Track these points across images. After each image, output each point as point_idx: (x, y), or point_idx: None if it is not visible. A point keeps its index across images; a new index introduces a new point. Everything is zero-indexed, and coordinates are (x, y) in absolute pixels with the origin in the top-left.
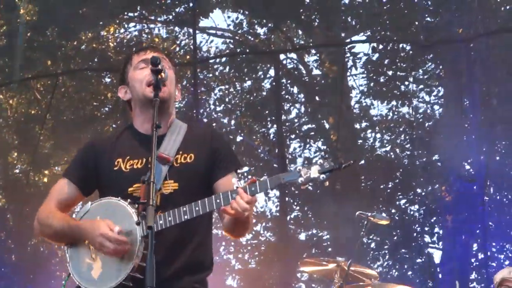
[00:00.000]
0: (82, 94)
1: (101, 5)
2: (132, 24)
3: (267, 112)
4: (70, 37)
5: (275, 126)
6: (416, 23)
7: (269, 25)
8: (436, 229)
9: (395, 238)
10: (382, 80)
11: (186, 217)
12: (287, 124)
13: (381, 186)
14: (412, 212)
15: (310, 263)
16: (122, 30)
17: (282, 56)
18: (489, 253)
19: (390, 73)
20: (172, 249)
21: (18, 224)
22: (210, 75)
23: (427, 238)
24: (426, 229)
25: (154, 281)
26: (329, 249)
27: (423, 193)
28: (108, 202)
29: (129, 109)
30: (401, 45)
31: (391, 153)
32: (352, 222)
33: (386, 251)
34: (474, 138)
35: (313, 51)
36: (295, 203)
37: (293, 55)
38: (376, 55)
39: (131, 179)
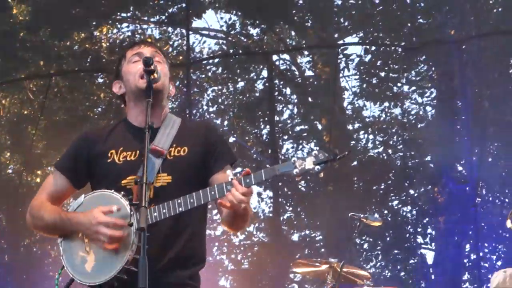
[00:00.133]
0: (74, 95)
1: (94, 5)
2: (125, 25)
3: (259, 113)
4: (63, 37)
5: (267, 127)
6: (409, 24)
7: (262, 26)
8: (429, 230)
9: (388, 239)
10: (374, 81)
11: (180, 209)
12: (279, 125)
13: (374, 187)
14: (404, 213)
15: (303, 264)
16: (115, 31)
17: (275, 57)
18: (481, 254)
19: (382, 74)
20: (166, 240)
21: (11, 224)
22: (203, 75)
23: (419, 239)
24: (419, 230)
25: (147, 282)
26: (322, 250)
27: (415, 194)
28: (101, 194)
29: (123, 104)
30: (393, 47)
31: (384, 154)
32: (344, 223)
33: (379, 252)
34: (466, 140)
35: (306, 52)
36: (288, 204)
37: (286, 56)
38: (369, 56)
39: (124, 171)
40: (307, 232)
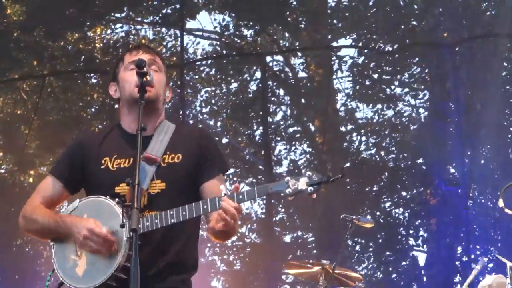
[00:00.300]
0: (68, 95)
1: (88, 6)
2: (118, 25)
3: (253, 114)
4: (57, 38)
5: (261, 128)
6: (402, 26)
7: (256, 27)
8: (421, 232)
9: (380, 240)
10: (367, 83)
11: (172, 220)
12: (272, 126)
13: (366, 189)
14: (396, 215)
15: (295, 265)
16: (108, 31)
17: (268, 58)
18: (473, 256)
19: (375, 76)
20: (157, 249)
21: (3, 224)
22: (197, 76)
23: (411, 241)
24: (411, 232)
25: (138, 285)
26: (314, 251)
27: (407, 196)
28: (96, 200)
29: (118, 106)
30: (386, 49)
31: (376, 156)
32: (337, 224)
33: (371, 254)
34: (458, 142)
35: (299, 54)
36: (281, 205)
37: (279, 58)
38: (362, 58)
39: (118, 178)
40: (299, 233)
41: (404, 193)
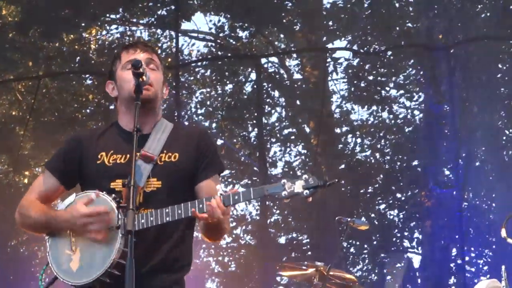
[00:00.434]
0: (63, 96)
1: (83, 7)
2: (114, 26)
3: (248, 115)
4: (52, 39)
5: (256, 129)
6: (397, 28)
7: (251, 28)
8: (416, 234)
9: (375, 242)
10: (362, 85)
11: (168, 218)
12: (267, 128)
13: (361, 191)
14: (391, 217)
15: (290, 267)
16: (104, 32)
17: (263, 60)
18: (467, 258)
19: (370, 78)
20: (152, 245)
21: None
22: (192, 78)
23: (406, 243)
24: (406, 234)
25: (133, 285)
26: (309, 253)
27: (402, 198)
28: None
29: (116, 104)
30: (381, 50)
31: (371, 158)
32: (331, 226)
33: (366, 256)
34: (453, 144)
35: (294, 55)
36: (275, 207)
37: (275, 59)
38: (357, 60)
39: (113, 173)
40: (294, 235)
41: (399, 195)
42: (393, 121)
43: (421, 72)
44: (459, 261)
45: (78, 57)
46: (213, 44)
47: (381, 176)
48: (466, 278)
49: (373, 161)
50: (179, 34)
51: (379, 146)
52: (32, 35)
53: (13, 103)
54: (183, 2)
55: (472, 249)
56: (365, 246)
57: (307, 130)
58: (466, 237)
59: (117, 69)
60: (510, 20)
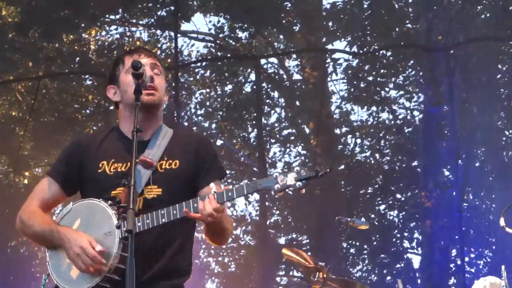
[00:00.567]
0: (63, 96)
1: (83, 7)
2: (113, 27)
3: (247, 116)
4: (52, 39)
5: (255, 130)
6: (397, 29)
7: (250, 29)
8: (416, 235)
9: (375, 243)
10: (362, 85)
11: (163, 220)
12: (267, 128)
13: (361, 191)
14: (391, 217)
15: (294, 251)
16: (103, 33)
17: (263, 61)
18: (467, 259)
19: (370, 78)
20: (151, 253)
21: None
22: (191, 78)
23: (406, 243)
24: (405, 234)
25: (134, 285)
26: (309, 253)
27: (402, 199)
28: (89, 203)
29: (116, 109)
30: (381, 51)
31: (371, 159)
32: (331, 226)
33: (365, 256)
34: (453, 144)
35: (294, 56)
36: (275, 208)
37: (274, 60)
38: (356, 60)
39: (115, 182)
40: (294, 235)
41: (398, 196)
42: (392, 122)
43: (421, 73)
44: (458, 262)
45: (78, 58)
46: (213, 44)
47: (381, 176)
48: (465, 278)
49: (372, 161)
50: (179, 35)
51: (378, 146)
52: (32, 36)
53: (13, 104)
54: (183, 3)
55: (472, 249)
56: (365, 246)
57: (307, 130)
58: (465, 237)
59: (121, 74)
60: (509, 21)
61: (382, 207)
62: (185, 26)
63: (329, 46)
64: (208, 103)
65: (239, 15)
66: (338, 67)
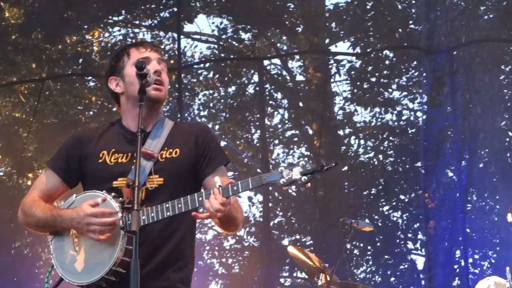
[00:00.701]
0: (66, 98)
1: (86, 9)
2: (116, 29)
3: (250, 117)
4: (55, 41)
5: (258, 131)
6: (400, 30)
7: (253, 30)
8: (419, 236)
9: (378, 244)
10: (365, 86)
11: (168, 213)
12: (270, 129)
13: (364, 193)
14: (395, 219)
15: (299, 249)
16: (106, 35)
17: (266, 62)
18: (471, 260)
19: (373, 79)
20: (155, 244)
21: (1, 226)
22: (194, 80)
23: (410, 245)
24: (409, 235)
25: (139, 285)
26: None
27: (406, 200)
28: (92, 195)
29: (115, 101)
30: (384, 52)
31: (374, 160)
32: (335, 228)
33: (369, 257)
34: (457, 146)
35: (297, 57)
36: (279, 209)
37: (277, 61)
38: (360, 61)
39: (115, 172)
40: (298, 236)
41: (402, 197)
42: (396, 123)
43: (424, 74)
44: (462, 263)
45: (81, 59)
46: (216, 46)
47: (384, 177)
48: (470, 279)
49: (376, 162)
50: (182, 36)
51: (382, 147)
52: (35, 38)
53: (16, 105)
54: (186, 4)
55: (476, 250)
56: (369, 247)
57: (310, 132)
58: (469, 238)
59: (126, 66)
60: None
61: (386, 208)
62: (188, 28)
63: (332, 47)
64: (211, 105)
65: (242, 16)
66: (341, 68)
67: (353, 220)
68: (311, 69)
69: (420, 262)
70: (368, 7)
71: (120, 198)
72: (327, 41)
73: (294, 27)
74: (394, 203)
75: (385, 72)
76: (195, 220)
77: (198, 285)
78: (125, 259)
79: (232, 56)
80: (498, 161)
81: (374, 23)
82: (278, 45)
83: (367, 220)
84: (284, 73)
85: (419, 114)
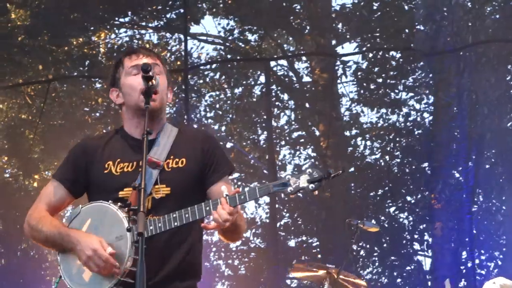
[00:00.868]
0: (72, 99)
1: (92, 10)
2: (123, 30)
3: (257, 118)
4: (61, 42)
5: (265, 132)
6: (406, 31)
7: (260, 32)
8: (426, 237)
9: (385, 245)
10: (372, 87)
11: (176, 223)
12: (277, 131)
13: (371, 194)
14: (401, 220)
15: (300, 269)
16: (113, 36)
17: (272, 63)
18: (477, 261)
19: (380, 80)
20: (162, 254)
21: (8, 228)
22: (201, 81)
23: (416, 246)
24: (416, 236)
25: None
26: (319, 256)
27: (412, 201)
28: (98, 205)
29: (120, 111)
30: (391, 53)
31: (381, 161)
32: (341, 229)
33: (376, 258)
34: (463, 146)
35: (304, 58)
36: (285, 210)
37: (284, 62)
38: (366, 62)
39: (121, 182)
40: (304, 238)
41: (409, 198)
42: (402, 124)
43: (430, 75)
44: (469, 264)
45: (87, 61)
46: (222, 47)
47: (391, 178)
48: (476, 280)
49: (382, 163)
50: (188, 38)
51: (388, 148)
52: (41, 39)
53: (23, 107)
54: (192, 6)
55: (482, 251)
56: (375, 248)
57: (317, 133)
58: (476, 239)
59: (121, 76)
60: None
61: (392, 209)
62: (194, 29)
63: (339, 48)
64: (218, 106)
65: (249, 17)
66: (347, 69)
67: (359, 221)
68: (318, 70)
69: (426, 263)
70: (374, 8)
71: (127, 201)
72: (333, 42)
73: (301, 28)
74: (401, 204)
75: (391, 73)
76: (202, 229)
77: (205, 287)
78: (133, 269)
79: (238, 57)
80: (504, 162)
81: (380, 24)
82: (285, 46)
83: (373, 221)
84: (291, 74)
85: (425, 115)
